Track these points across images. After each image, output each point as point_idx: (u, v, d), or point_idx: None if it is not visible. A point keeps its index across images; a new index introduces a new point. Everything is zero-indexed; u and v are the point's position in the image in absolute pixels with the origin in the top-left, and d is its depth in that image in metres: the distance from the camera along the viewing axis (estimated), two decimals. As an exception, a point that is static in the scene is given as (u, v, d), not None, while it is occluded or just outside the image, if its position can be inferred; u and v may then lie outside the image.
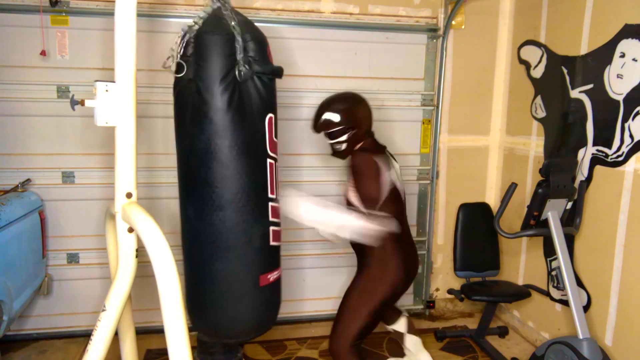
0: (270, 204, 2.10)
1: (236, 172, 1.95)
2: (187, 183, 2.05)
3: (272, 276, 2.12)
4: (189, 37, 1.96)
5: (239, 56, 1.91)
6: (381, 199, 2.11)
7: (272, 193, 2.10)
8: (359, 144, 2.27)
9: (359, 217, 2.03)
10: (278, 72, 2.07)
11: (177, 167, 2.10)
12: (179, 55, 1.93)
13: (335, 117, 2.21)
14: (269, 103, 2.05)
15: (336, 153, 2.32)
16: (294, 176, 3.20)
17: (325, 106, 2.25)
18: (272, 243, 2.12)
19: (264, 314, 2.14)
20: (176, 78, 2.03)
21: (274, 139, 2.10)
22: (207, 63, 1.90)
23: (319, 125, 2.26)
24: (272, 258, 2.14)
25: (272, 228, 2.12)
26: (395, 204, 2.20)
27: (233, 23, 1.93)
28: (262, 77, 1.99)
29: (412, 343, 2.65)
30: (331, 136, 2.26)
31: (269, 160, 2.07)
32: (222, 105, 1.90)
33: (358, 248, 2.29)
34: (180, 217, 2.13)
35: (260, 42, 2.02)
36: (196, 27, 1.93)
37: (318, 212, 2.08)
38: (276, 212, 2.14)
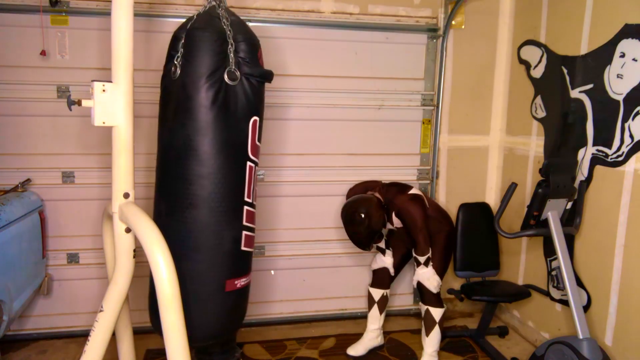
0: (245, 207, 2.03)
1: (213, 171, 1.90)
2: (163, 178, 1.99)
3: (239, 282, 2.05)
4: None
5: (230, 56, 1.89)
6: None
7: (248, 197, 2.04)
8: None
9: None
10: (267, 76, 2.02)
11: (156, 162, 2.06)
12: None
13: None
14: (255, 106, 2.01)
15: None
16: (292, 176, 3.19)
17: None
18: (243, 248, 2.05)
19: (226, 321, 2.05)
20: (163, 73, 2.00)
21: (257, 142, 2.05)
22: (195, 59, 1.87)
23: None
24: (241, 263, 2.07)
25: (245, 233, 2.05)
26: None
27: (225, 22, 1.91)
28: (251, 79, 1.95)
29: None
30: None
31: (249, 164, 2.02)
32: (205, 102, 1.87)
33: None
34: (153, 212, 2.07)
35: (252, 44, 1.99)
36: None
37: None
38: (251, 217, 2.08)
